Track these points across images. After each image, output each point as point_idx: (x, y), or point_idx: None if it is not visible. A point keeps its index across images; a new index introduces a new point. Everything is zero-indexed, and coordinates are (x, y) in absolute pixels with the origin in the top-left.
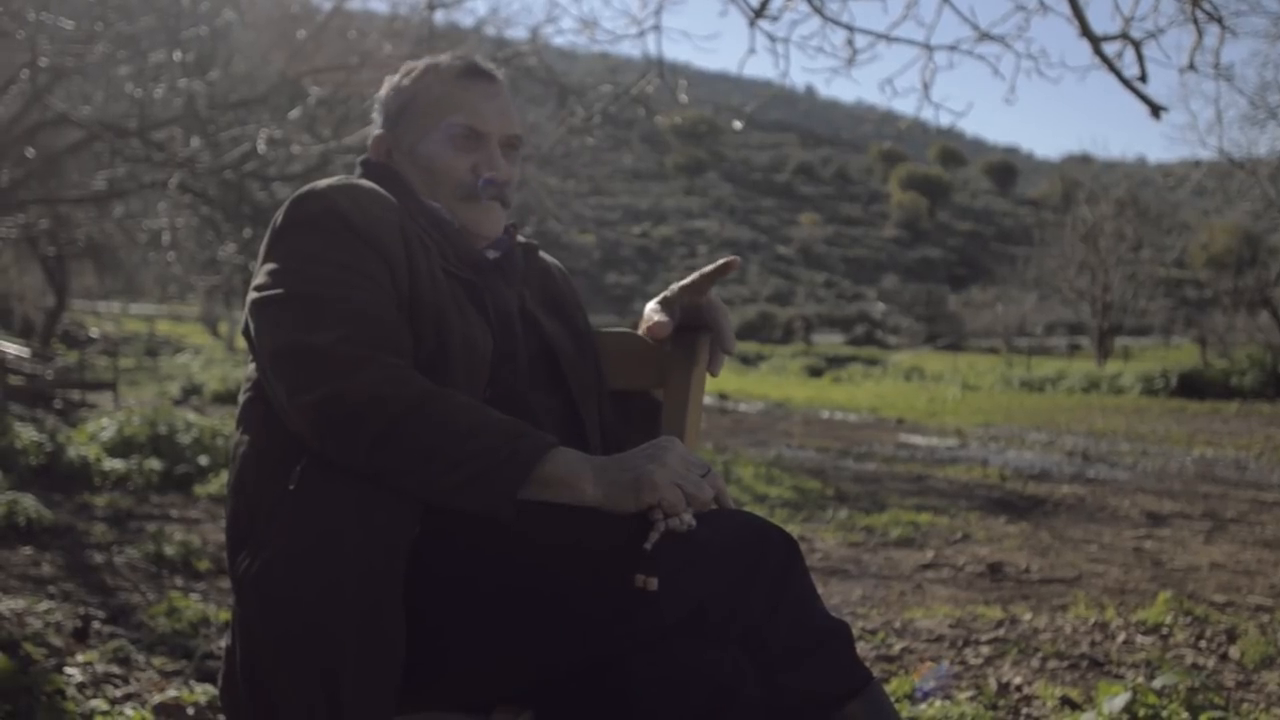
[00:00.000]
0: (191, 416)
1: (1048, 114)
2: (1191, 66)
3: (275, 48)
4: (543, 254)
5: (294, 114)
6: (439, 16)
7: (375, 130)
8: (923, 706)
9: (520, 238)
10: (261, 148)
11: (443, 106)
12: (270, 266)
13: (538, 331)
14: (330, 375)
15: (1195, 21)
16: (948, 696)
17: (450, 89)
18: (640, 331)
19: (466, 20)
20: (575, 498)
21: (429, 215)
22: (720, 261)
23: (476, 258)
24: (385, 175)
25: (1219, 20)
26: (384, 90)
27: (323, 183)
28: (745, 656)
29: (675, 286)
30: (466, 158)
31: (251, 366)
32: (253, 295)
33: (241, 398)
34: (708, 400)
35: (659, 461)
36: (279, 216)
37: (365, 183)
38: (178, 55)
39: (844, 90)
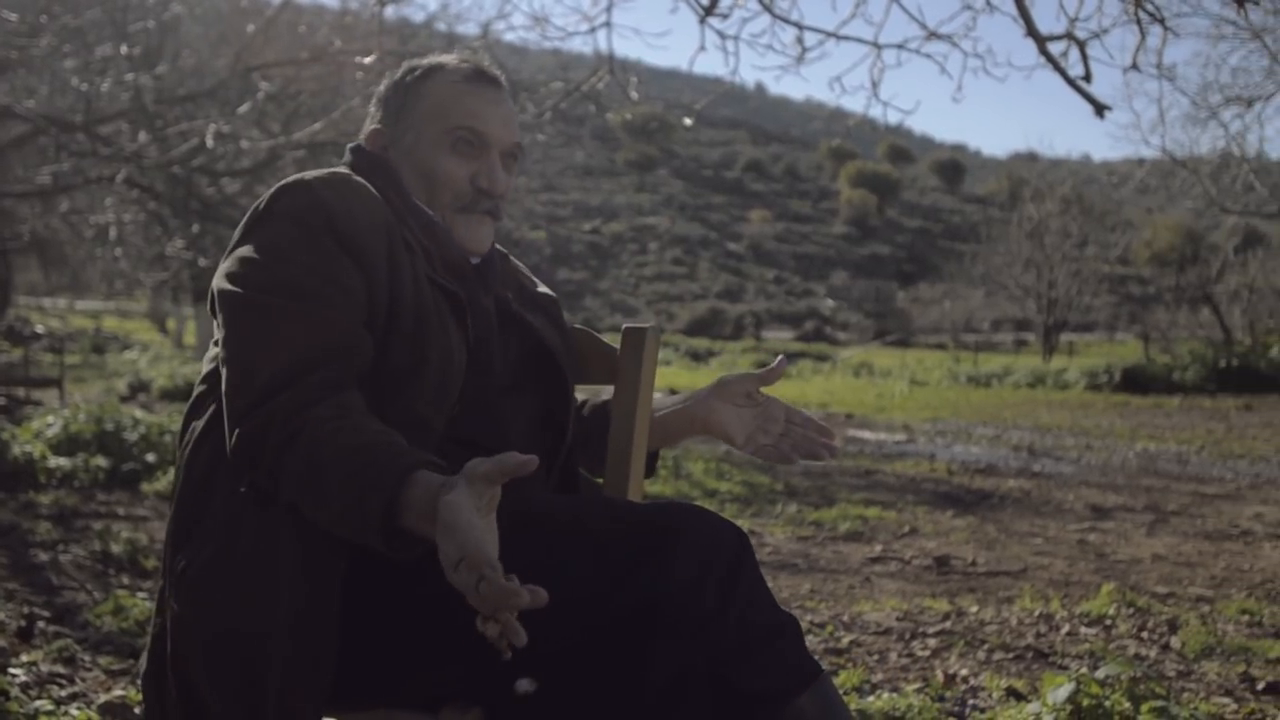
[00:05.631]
0: (139, 413)
1: (995, 112)
2: (1135, 66)
3: (224, 42)
4: (513, 260)
5: (243, 109)
6: (389, 11)
7: (372, 124)
8: (870, 699)
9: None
10: (210, 143)
11: (447, 109)
12: (243, 253)
13: (523, 331)
14: (246, 412)
15: (1138, 22)
16: (895, 689)
17: (457, 91)
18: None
19: (417, 15)
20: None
21: (419, 216)
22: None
23: (462, 264)
24: (378, 168)
25: (1161, 21)
26: (384, 85)
27: (313, 174)
28: (695, 652)
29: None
30: (466, 166)
31: (209, 354)
32: (220, 282)
33: (198, 388)
34: (659, 395)
35: (453, 574)
36: (263, 201)
37: (357, 180)
38: (124, 49)
39: (793, 87)
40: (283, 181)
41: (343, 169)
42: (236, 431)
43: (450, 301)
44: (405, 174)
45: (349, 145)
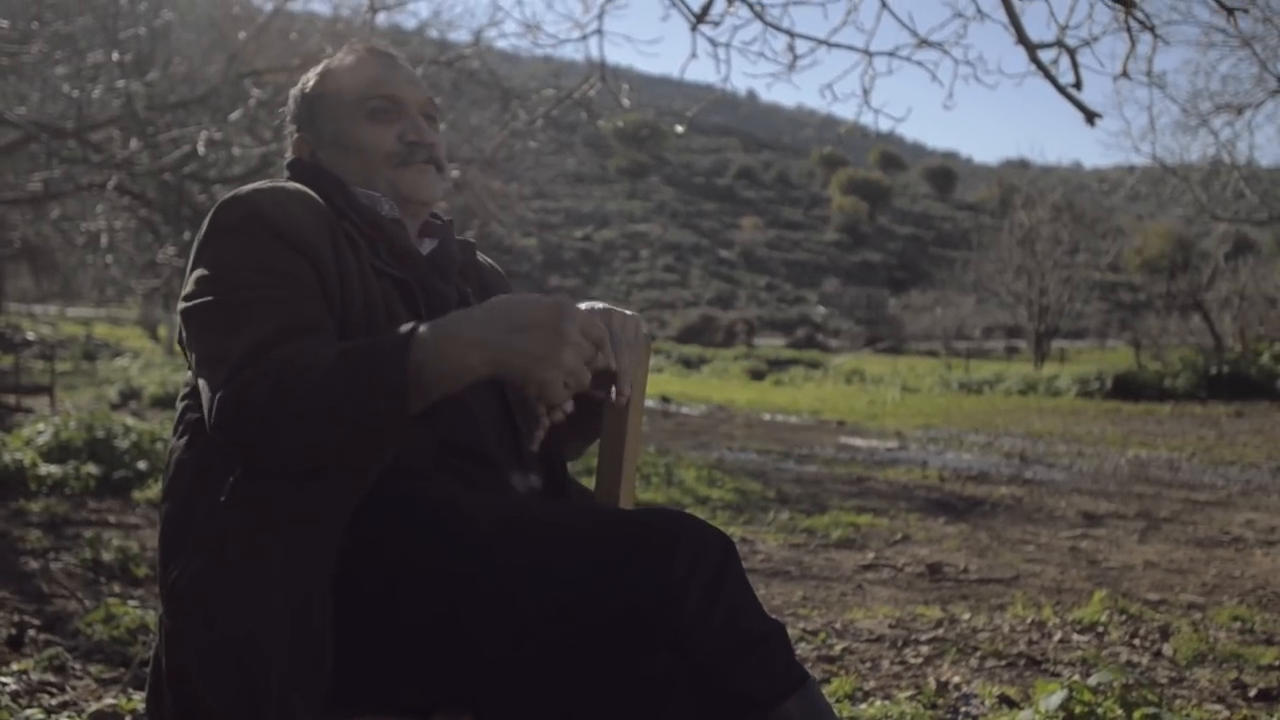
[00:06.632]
0: (130, 421)
1: (985, 120)
2: (1125, 74)
3: (215, 49)
4: (480, 255)
5: (234, 116)
6: (381, 19)
7: (292, 137)
8: (863, 706)
9: (456, 236)
10: (201, 149)
11: (353, 88)
12: (196, 274)
13: None
14: (223, 384)
15: (1128, 30)
16: (888, 697)
17: (355, 71)
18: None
19: (409, 23)
20: (467, 380)
21: (361, 211)
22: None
23: (411, 253)
24: (314, 172)
25: (1151, 29)
26: (290, 104)
27: (247, 187)
28: (679, 658)
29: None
30: (391, 128)
31: (189, 374)
32: (182, 306)
33: (179, 405)
34: (650, 403)
35: (552, 359)
36: (204, 224)
37: (291, 184)
38: (116, 55)
39: (785, 95)
40: (219, 201)
41: (278, 180)
42: (217, 397)
43: (399, 290)
44: (339, 164)
45: (285, 164)
